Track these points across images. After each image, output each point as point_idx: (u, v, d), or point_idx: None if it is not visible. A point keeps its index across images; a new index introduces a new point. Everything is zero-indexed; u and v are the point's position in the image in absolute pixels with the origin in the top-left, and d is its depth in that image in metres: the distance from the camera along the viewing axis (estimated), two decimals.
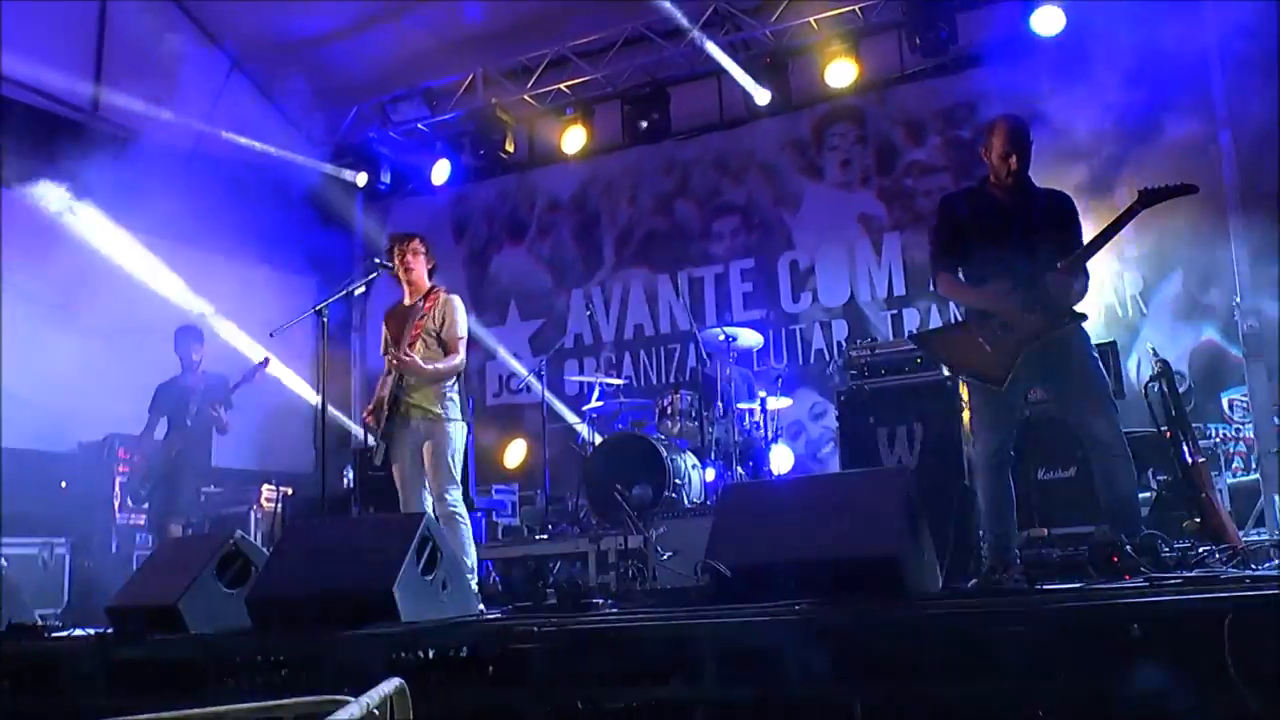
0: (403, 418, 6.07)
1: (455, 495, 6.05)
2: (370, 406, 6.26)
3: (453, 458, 6.08)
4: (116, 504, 8.75)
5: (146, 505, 8.30)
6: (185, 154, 10.20)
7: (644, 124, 10.72)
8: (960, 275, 5.25)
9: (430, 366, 6.08)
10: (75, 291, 8.85)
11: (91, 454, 8.89)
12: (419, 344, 6.07)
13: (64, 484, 8.82)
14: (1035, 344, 4.96)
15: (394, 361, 6.05)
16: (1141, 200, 4.96)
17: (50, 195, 8.97)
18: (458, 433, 6.16)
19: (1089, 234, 5.12)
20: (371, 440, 6.24)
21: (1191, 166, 8.35)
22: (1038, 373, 5.12)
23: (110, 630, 5.07)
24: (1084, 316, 5.12)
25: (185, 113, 10.13)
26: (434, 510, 5.98)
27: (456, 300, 6.33)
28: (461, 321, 6.27)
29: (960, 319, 5.36)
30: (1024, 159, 5.13)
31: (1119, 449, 4.92)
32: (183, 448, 8.07)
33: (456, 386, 6.26)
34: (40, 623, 6.13)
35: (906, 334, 9.43)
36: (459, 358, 6.23)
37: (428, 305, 6.17)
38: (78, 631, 5.45)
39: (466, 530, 6.10)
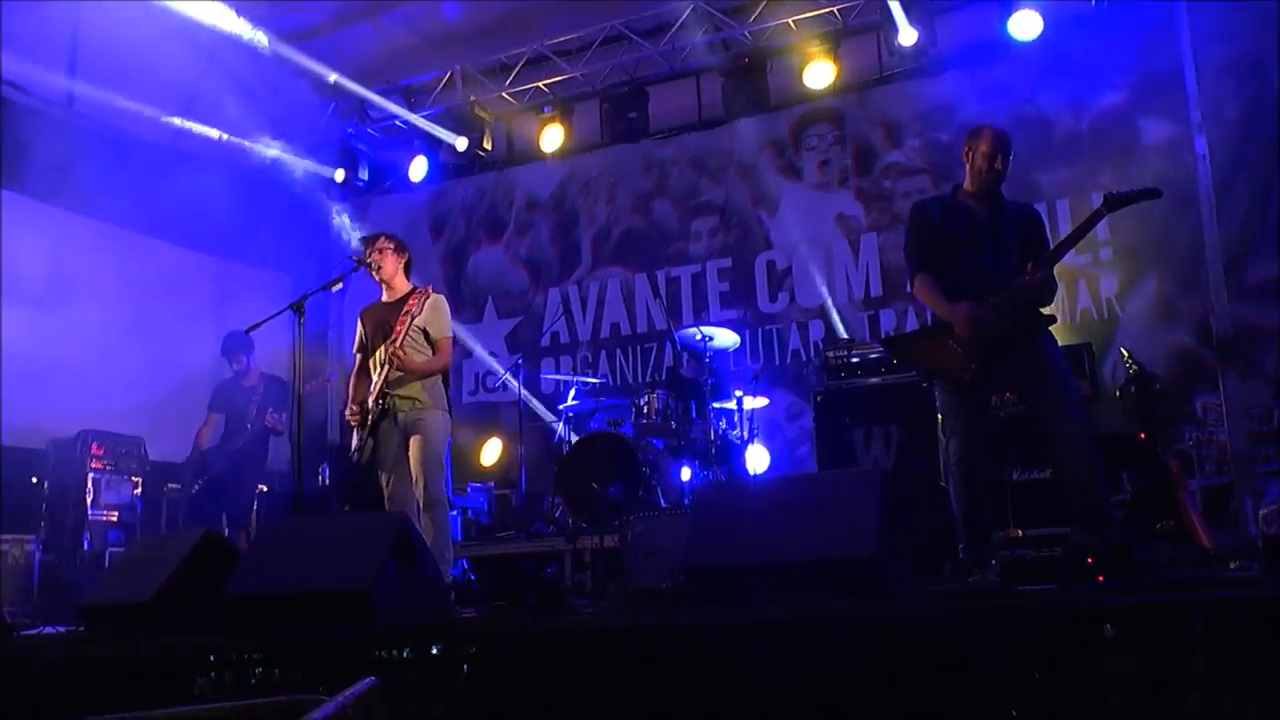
0: (389, 414, 6.10)
1: (440, 483, 6.09)
2: (353, 406, 6.27)
3: (439, 446, 6.13)
4: (89, 500, 8.69)
5: (194, 494, 8.47)
6: (161, 149, 10.13)
7: (622, 123, 10.73)
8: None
9: (423, 361, 6.15)
10: (49, 287, 8.78)
11: (64, 450, 8.83)
12: (407, 340, 6.10)
13: (35, 480, 8.74)
14: (1004, 346, 5.00)
15: (386, 355, 6.08)
16: (1107, 204, 5.04)
17: (23, 190, 8.89)
18: (443, 422, 6.24)
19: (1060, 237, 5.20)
20: (354, 440, 6.27)
21: (1167, 170, 8.42)
22: (1007, 375, 5.16)
23: (83, 628, 5.04)
24: (1052, 319, 5.18)
25: (161, 108, 10.07)
26: (419, 499, 6.01)
27: (443, 300, 6.44)
28: (449, 321, 6.42)
29: (933, 321, 5.40)
30: (1007, 164, 5.20)
31: (1088, 451, 4.95)
32: (243, 448, 8.33)
33: (441, 379, 6.32)
34: (10, 620, 6.09)
35: (883, 334, 9.46)
36: (447, 355, 6.39)
37: (412, 302, 6.19)
38: (49, 629, 5.41)
39: (445, 519, 6.16)
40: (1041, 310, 5.16)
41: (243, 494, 8.36)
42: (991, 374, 5.08)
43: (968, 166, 5.29)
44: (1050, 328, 5.21)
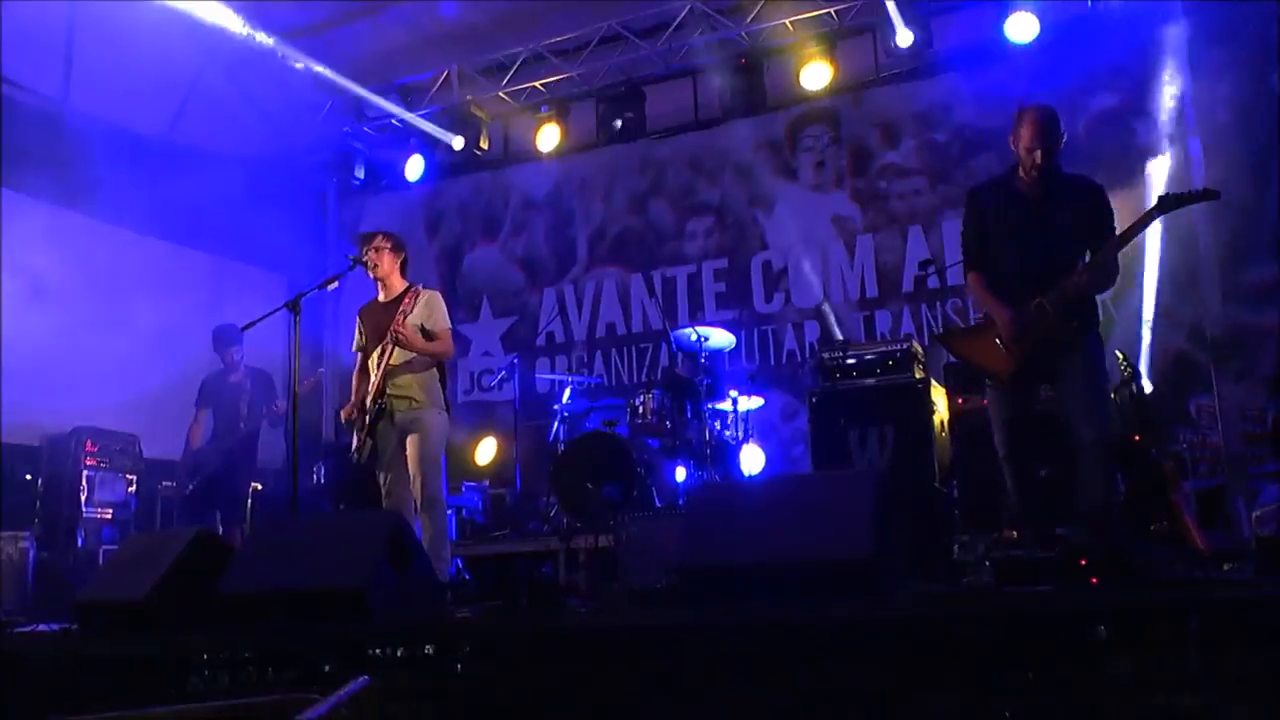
0: (387, 413, 6.09)
1: (438, 482, 6.06)
2: (349, 405, 6.26)
3: (436, 445, 6.11)
4: (83, 498, 8.68)
5: (189, 496, 8.36)
6: (156, 146, 10.12)
7: (619, 122, 10.73)
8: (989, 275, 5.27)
9: (421, 342, 6.15)
10: (42, 283, 8.77)
11: (58, 447, 8.82)
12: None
13: (29, 476, 8.73)
14: (1050, 345, 5.01)
15: (383, 355, 6.07)
16: (1161, 205, 5.00)
17: (17, 187, 8.88)
18: (441, 422, 6.21)
19: None
20: (347, 439, 6.27)
21: (1161, 172, 8.44)
22: (1048, 372, 5.14)
23: (76, 626, 5.03)
24: (1096, 324, 5.16)
25: (157, 105, 10.05)
26: (417, 498, 6.00)
27: (437, 295, 6.42)
28: (446, 314, 6.38)
29: (980, 318, 5.42)
30: (1052, 152, 5.12)
31: (1100, 454, 4.95)
32: (235, 448, 8.22)
33: (439, 378, 6.29)
34: (4, 617, 6.08)
35: (878, 335, 9.48)
36: (448, 345, 6.39)
37: (407, 301, 6.20)
38: (43, 627, 5.41)
39: (443, 520, 6.14)
40: (1089, 309, 5.15)
41: (237, 492, 8.31)
42: (1035, 371, 5.10)
43: (1015, 152, 5.23)
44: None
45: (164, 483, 9.11)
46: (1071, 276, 4.96)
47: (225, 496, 8.22)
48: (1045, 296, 4.97)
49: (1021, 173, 5.22)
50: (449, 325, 6.37)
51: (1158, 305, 8.48)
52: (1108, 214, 5.18)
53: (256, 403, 8.28)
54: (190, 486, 8.31)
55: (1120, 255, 8.40)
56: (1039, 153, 5.09)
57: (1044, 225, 5.10)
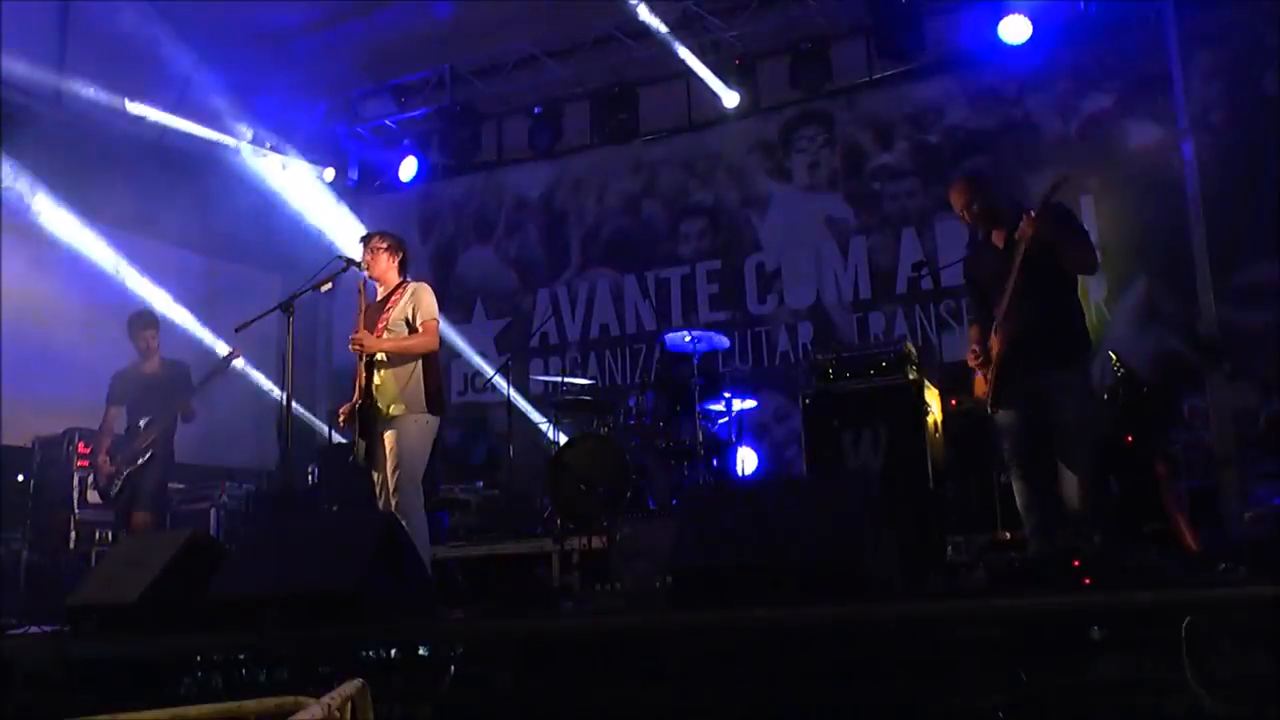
0: (374, 415, 6.04)
1: (410, 490, 5.94)
2: (348, 404, 6.19)
3: (413, 452, 6.02)
4: (75, 499, 8.64)
5: (115, 502, 7.93)
6: (150, 146, 10.11)
7: (612, 124, 10.72)
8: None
9: (390, 341, 6.03)
10: (35, 283, 8.75)
11: (50, 448, 8.78)
12: (385, 334, 6.04)
13: (20, 478, 8.70)
14: (1030, 377, 5.28)
15: (353, 346, 6.01)
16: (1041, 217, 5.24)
17: (10, 186, 8.86)
18: (420, 427, 6.08)
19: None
20: (339, 437, 6.21)
21: (1155, 174, 8.46)
22: (1024, 390, 5.35)
23: (68, 628, 5.02)
24: (1085, 352, 5.52)
25: (150, 105, 10.04)
26: (391, 503, 5.93)
27: (425, 286, 6.29)
28: (431, 305, 6.21)
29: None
30: (985, 206, 5.53)
31: (1069, 455, 5.14)
32: (149, 451, 7.76)
33: (422, 380, 6.16)
34: None
35: (872, 337, 9.48)
36: (431, 336, 6.16)
37: (395, 297, 6.16)
38: (34, 629, 5.39)
39: (419, 527, 6.01)
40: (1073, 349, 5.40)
41: (159, 490, 7.83)
42: (1013, 394, 5.35)
43: None
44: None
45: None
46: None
47: (154, 496, 7.75)
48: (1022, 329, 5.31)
49: (981, 233, 5.70)
50: (434, 316, 6.19)
51: (1151, 306, 8.50)
52: (1070, 231, 5.44)
53: (171, 397, 7.79)
54: (114, 491, 7.79)
55: (1115, 256, 8.49)
56: (966, 212, 5.56)
57: (1013, 265, 5.33)
